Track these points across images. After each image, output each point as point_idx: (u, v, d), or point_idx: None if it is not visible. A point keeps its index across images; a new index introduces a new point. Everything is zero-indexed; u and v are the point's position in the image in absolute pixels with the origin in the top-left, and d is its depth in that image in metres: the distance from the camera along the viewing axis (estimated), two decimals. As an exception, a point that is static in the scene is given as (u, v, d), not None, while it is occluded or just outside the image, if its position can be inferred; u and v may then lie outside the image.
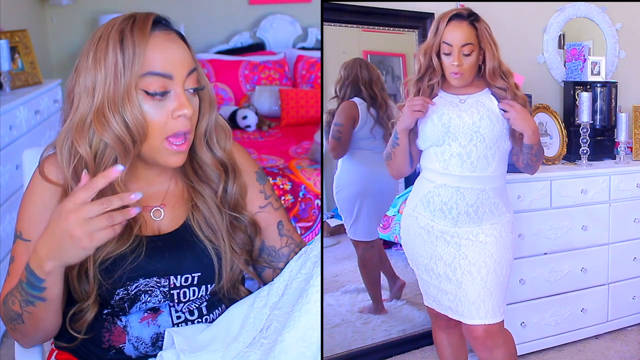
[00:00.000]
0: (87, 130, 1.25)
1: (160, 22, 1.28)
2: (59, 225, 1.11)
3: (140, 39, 1.23)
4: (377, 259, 2.64)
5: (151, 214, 1.36)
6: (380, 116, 2.53)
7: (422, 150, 1.88)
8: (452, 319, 1.87)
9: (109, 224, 1.11)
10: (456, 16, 1.80)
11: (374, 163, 2.53)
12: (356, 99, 2.53)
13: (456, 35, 1.78)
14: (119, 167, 1.14)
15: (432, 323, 2.04)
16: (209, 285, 1.37)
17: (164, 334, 1.33)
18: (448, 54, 1.80)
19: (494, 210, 1.82)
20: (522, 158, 1.86)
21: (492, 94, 1.83)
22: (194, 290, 1.35)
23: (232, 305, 1.36)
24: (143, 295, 1.31)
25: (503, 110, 1.79)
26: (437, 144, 1.81)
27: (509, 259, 1.83)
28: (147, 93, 1.23)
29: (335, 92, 2.54)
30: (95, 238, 1.11)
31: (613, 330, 2.70)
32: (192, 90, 1.29)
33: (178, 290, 1.34)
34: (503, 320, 1.82)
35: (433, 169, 1.83)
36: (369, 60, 2.61)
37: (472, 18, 1.79)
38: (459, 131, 1.78)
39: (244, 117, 4.29)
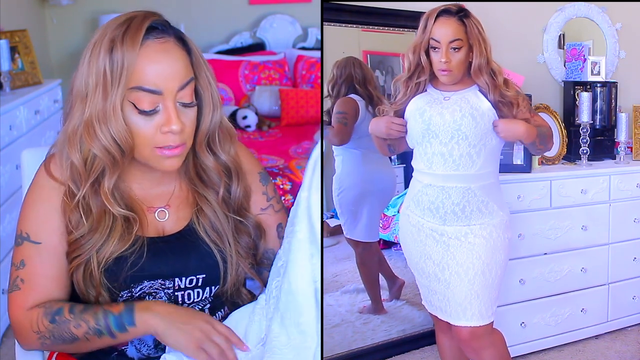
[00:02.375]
0: (77, 139, 1.25)
1: (156, 28, 1.24)
2: (190, 324, 1.24)
3: (129, 51, 1.20)
4: (376, 257, 2.64)
5: (156, 215, 1.35)
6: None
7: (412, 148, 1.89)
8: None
9: (217, 352, 1.22)
10: (444, 12, 1.76)
11: (374, 162, 2.53)
12: (354, 96, 2.51)
13: (444, 31, 1.74)
14: None
15: (435, 325, 2.02)
16: (213, 287, 1.36)
17: None
18: (436, 51, 1.76)
19: (482, 209, 1.78)
20: (530, 149, 1.91)
21: (479, 90, 1.79)
22: (198, 292, 1.35)
23: (234, 312, 1.36)
24: (147, 297, 1.30)
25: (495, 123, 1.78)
26: (419, 141, 1.80)
27: (500, 260, 1.80)
28: (136, 107, 1.22)
29: (328, 91, 2.52)
30: (201, 353, 1.22)
31: (613, 330, 2.70)
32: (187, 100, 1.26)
33: (182, 292, 1.33)
34: (492, 322, 1.81)
35: (419, 169, 1.83)
36: (369, 60, 2.61)
37: (461, 14, 1.75)
38: (440, 129, 1.75)
39: (244, 117, 4.29)
